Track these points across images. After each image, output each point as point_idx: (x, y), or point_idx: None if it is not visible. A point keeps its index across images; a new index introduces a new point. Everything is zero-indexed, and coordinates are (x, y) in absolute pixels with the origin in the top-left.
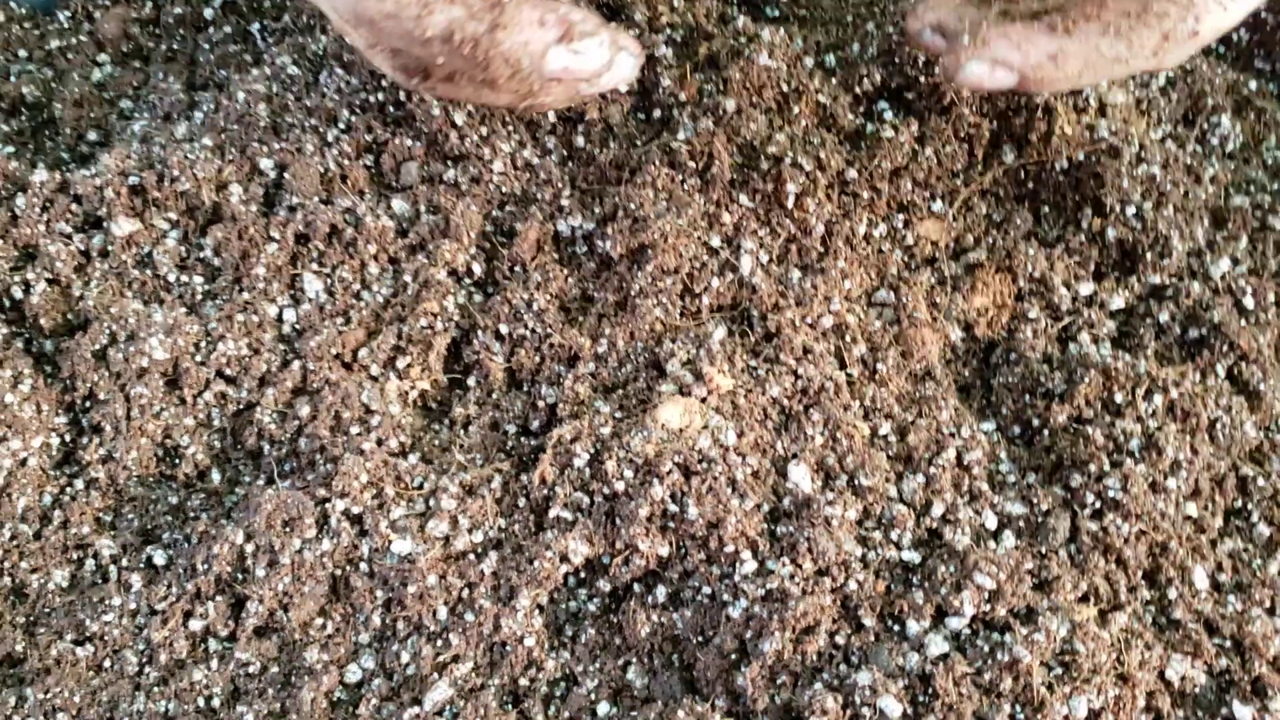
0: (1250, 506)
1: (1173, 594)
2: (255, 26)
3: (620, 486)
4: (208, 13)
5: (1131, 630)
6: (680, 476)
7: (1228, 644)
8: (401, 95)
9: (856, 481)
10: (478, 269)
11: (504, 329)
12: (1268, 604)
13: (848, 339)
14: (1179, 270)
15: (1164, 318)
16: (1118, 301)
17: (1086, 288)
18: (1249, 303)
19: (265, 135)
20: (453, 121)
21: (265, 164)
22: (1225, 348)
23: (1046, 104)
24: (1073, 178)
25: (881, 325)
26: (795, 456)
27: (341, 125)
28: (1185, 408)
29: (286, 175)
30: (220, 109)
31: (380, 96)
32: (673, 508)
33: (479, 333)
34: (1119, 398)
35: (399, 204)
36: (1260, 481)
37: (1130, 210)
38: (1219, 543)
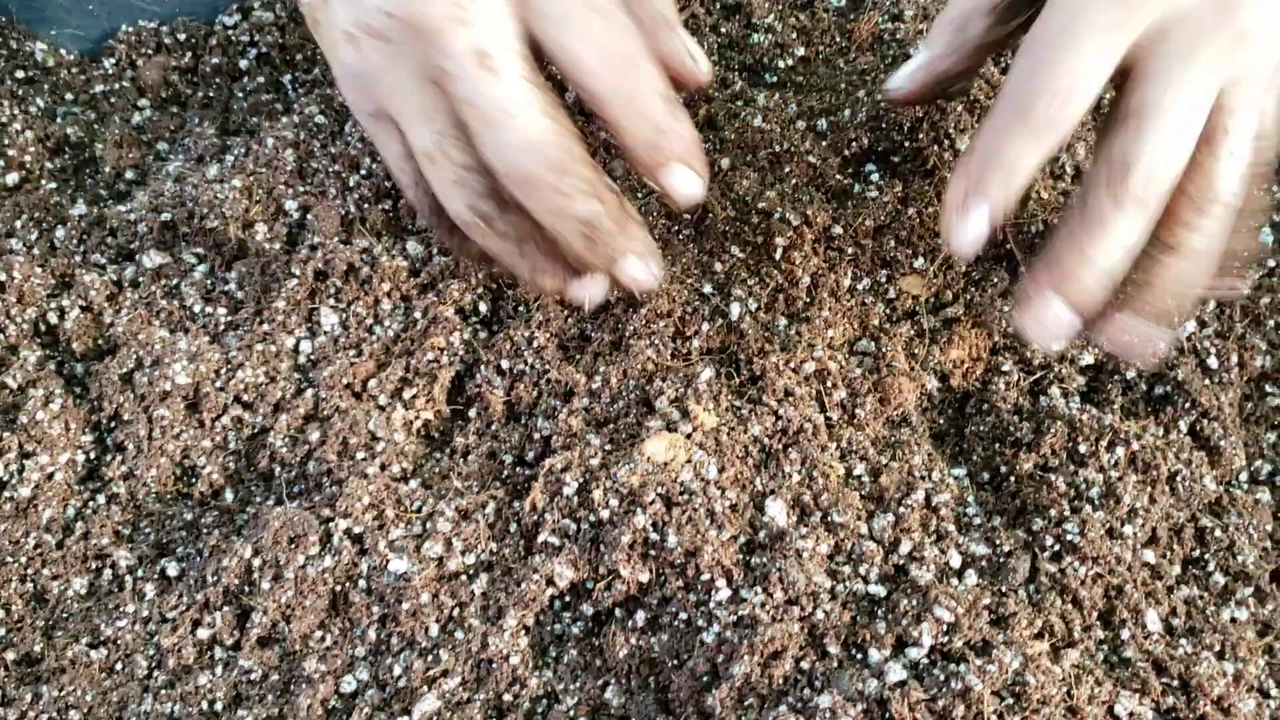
0: (1207, 556)
1: (1125, 635)
2: (287, 78)
3: (605, 515)
4: (243, 63)
5: (1083, 667)
6: (662, 507)
7: (1175, 684)
8: None
9: (829, 518)
10: (483, 307)
11: (505, 364)
12: (1217, 648)
13: (828, 384)
14: None
15: (1130, 374)
16: (1087, 358)
17: (1058, 344)
18: (1213, 363)
19: (291, 178)
20: None
21: (290, 205)
22: (1188, 405)
23: None
24: (1048, 240)
25: (861, 373)
26: (773, 492)
27: (363, 172)
28: (1146, 460)
29: (309, 216)
30: (250, 153)
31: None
32: (654, 536)
33: (482, 367)
34: (1083, 448)
35: (413, 245)
36: (1218, 533)
37: None
38: (1175, 589)
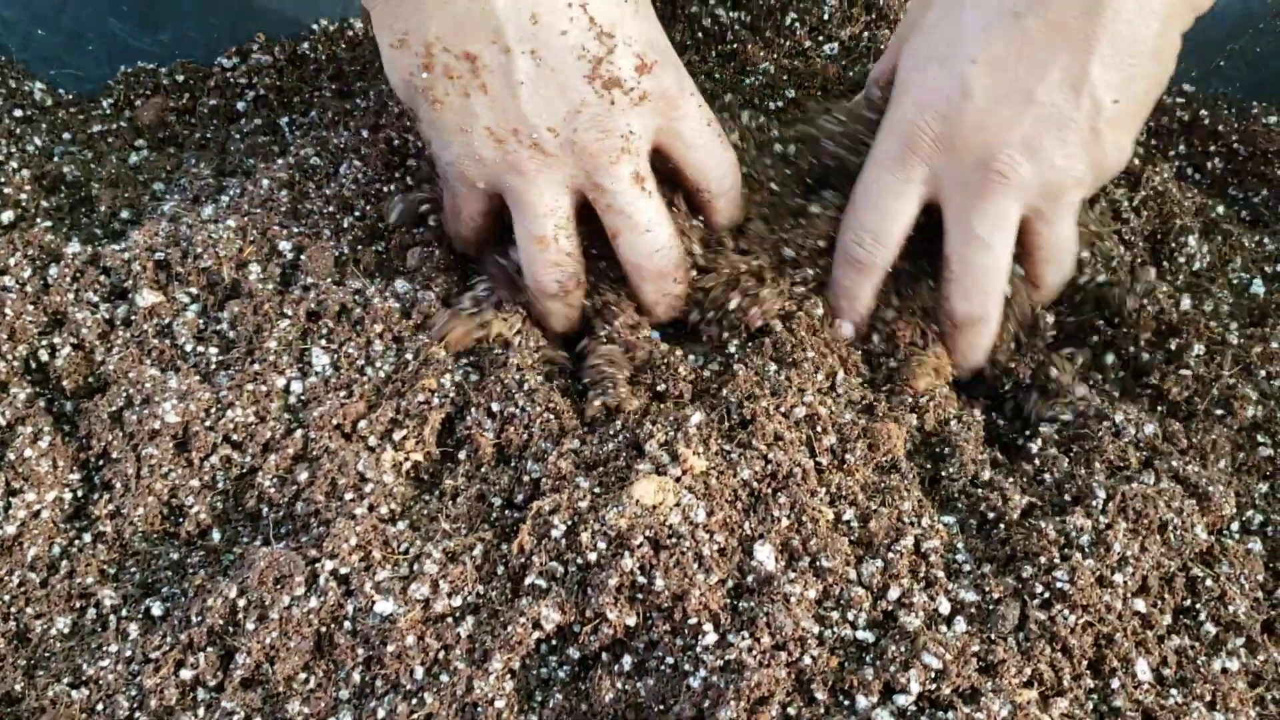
0: (1199, 606)
1: (1115, 684)
2: (284, 120)
3: (593, 557)
4: (240, 105)
5: (1072, 716)
6: (650, 550)
7: None
8: (410, 183)
9: (818, 563)
10: (475, 348)
11: (496, 406)
12: (1208, 698)
13: (818, 429)
14: None
15: (1119, 418)
16: (1068, 414)
17: None
18: (1202, 412)
19: (285, 219)
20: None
21: (284, 246)
22: (1179, 454)
23: None
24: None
25: (851, 418)
26: (761, 536)
27: (356, 213)
28: (1137, 508)
29: (303, 257)
30: (245, 194)
31: (392, 188)
32: (641, 579)
33: (472, 409)
34: (1071, 496)
35: (402, 284)
36: (1209, 583)
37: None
38: (1166, 639)
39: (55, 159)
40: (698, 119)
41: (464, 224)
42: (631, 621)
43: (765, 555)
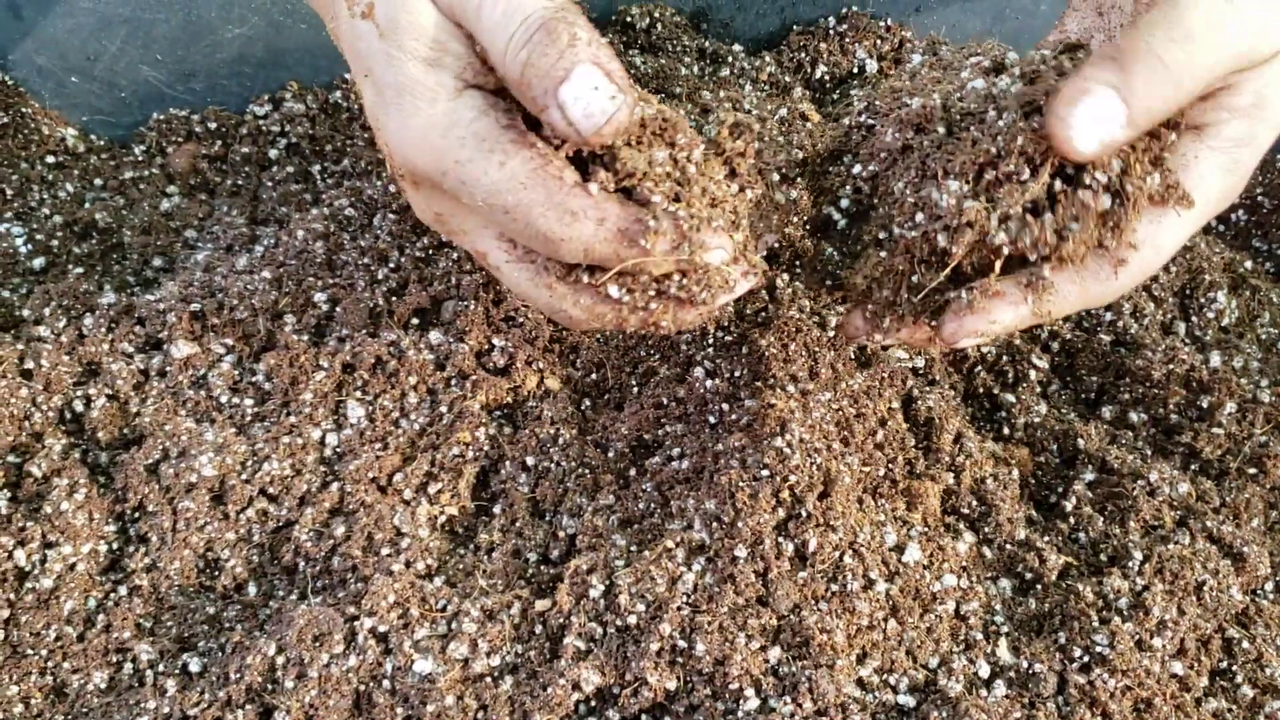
0: (1235, 668)
1: None
2: (316, 168)
3: (633, 620)
4: (273, 153)
5: None
6: (690, 613)
7: None
8: (442, 238)
9: (858, 626)
10: (509, 400)
11: (530, 460)
12: None
13: (858, 492)
14: None
15: (1154, 477)
16: (1089, 474)
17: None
18: (1235, 470)
19: (320, 271)
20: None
21: (319, 297)
22: (1212, 513)
23: None
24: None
25: (887, 475)
26: (801, 604)
27: (391, 265)
28: (1174, 570)
29: (338, 309)
30: (280, 244)
31: (426, 240)
32: (682, 643)
33: (506, 463)
34: (1107, 556)
35: (436, 336)
36: (1245, 644)
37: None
38: (1203, 701)
39: (87, 205)
40: (465, 197)
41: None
42: (672, 685)
43: (807, 620)
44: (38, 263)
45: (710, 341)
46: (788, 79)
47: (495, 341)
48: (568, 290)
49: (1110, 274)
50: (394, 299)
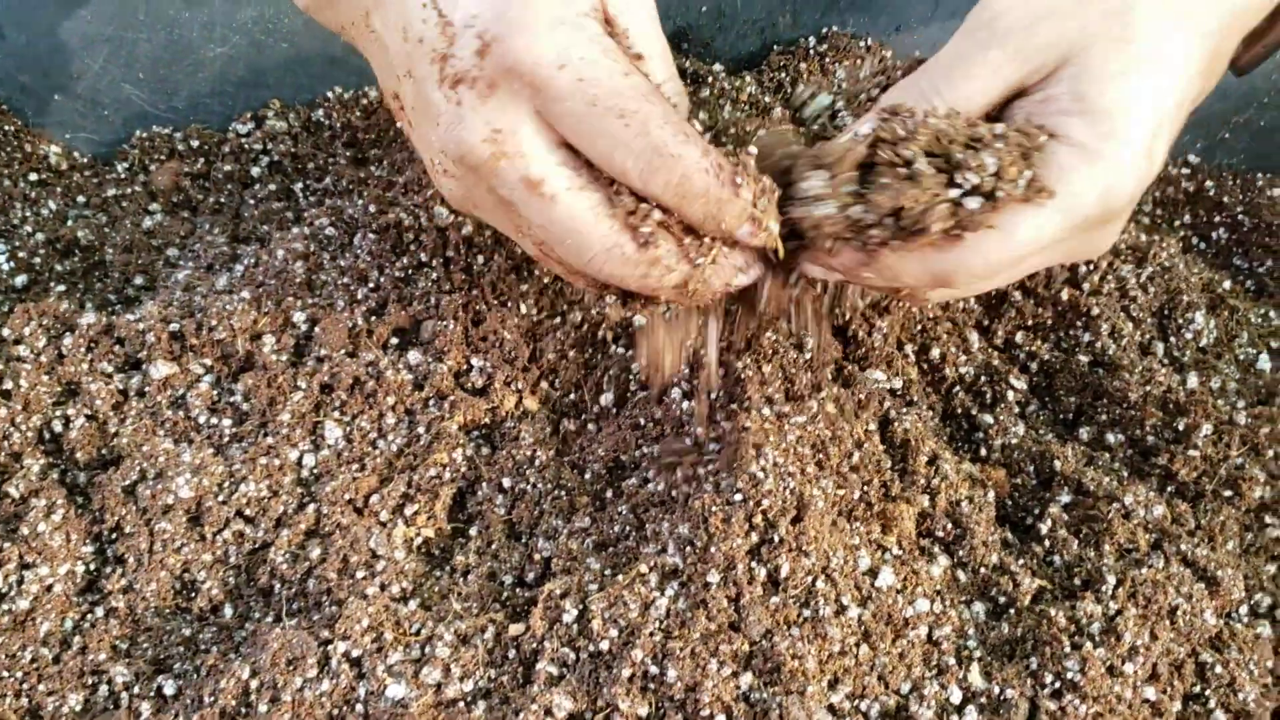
0: (1208, 693)
1: None
2: (299, 185)
3: (605, 646)
4: (255, 171)
5: None
6: (662, 639)
7: None
8: (424, 258)
9: (830, 651)
10: (487, 421)
11: (507, 482)
12: None
13: (832, 513)
14: None
15: (1129, 500)
16: (1065, 496)
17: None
18: (1210, 493)
19: (300, 291)
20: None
21: (298, 317)
22: (1187, 535)
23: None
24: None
25: (862, 498)
26: (773, 627)
27: (371, 284)
28: (1147, 594)
29: (317, 329)
30: (260, 264)
31: (406, 260)
32: (654, 669)
33: (484, 484)
34: (1081, 580)
35: (415, 356)
36: (1218, 669)
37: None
38: None
39: (70, 223)
40: (574, 97)
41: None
42: (644, 712)
43: (779, 646)
44: (20, 280)
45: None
46: (768, 99)
47: (474, 361)
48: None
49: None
50: (373, 319)
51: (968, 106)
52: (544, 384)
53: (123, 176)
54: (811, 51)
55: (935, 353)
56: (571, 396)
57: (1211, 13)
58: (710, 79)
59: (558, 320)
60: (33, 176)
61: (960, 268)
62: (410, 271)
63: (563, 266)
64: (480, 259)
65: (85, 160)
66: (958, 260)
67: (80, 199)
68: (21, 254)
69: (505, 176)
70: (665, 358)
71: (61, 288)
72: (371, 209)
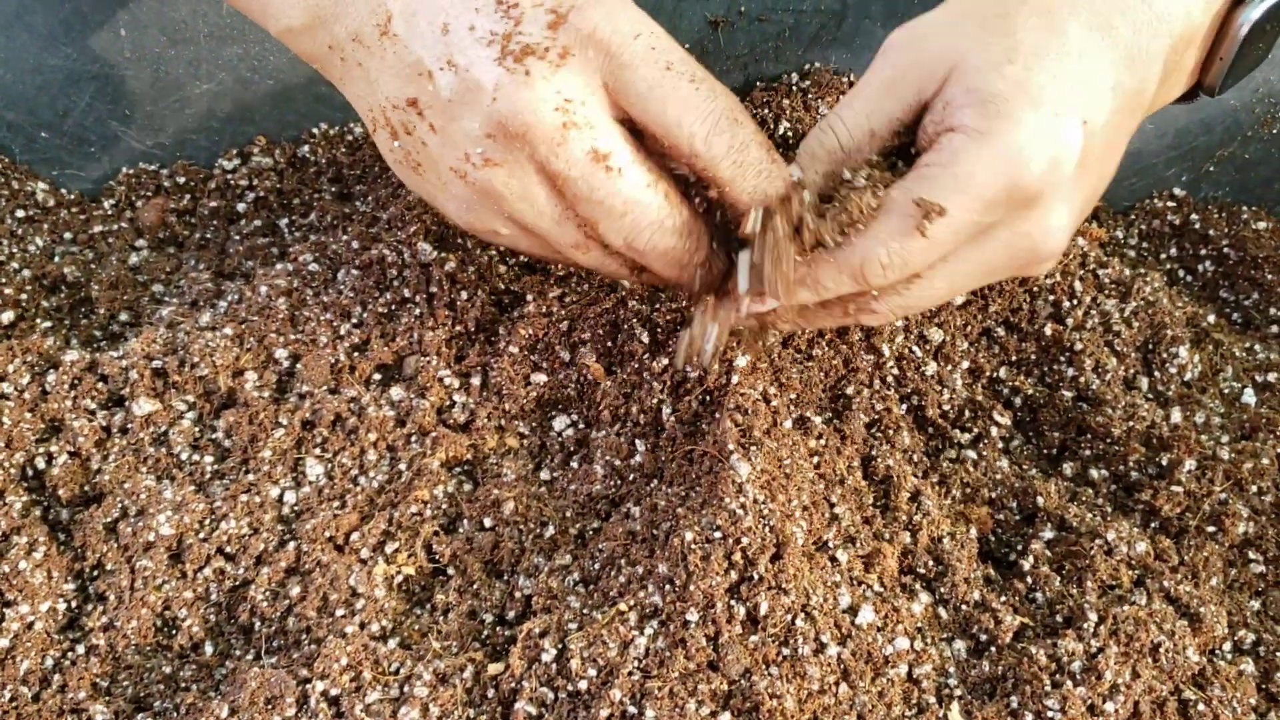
0: None
1: None
2: (284, 221)
3: (583, 685)
4: (241, 207)
5: None
6: (640, 679)
7: None
8: (407, 294)
9: (809, 690)
10: (469, 457)
11: (488, 520)
12: None
13: (812, 554)
14: None
15: (1110, 536)
16: (1048, 532)
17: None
18: (1193, 529)
19: (283, 327)
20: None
21: (280, 354)
22: (1170, 571)
23: None
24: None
25: (842, 538)
26: (752, 667)
27: (354, 320)
28: (1129, 631)
29: (299, 365)
30: (243, 300)
31: (389, 296)
32: (631, 709)
33: (465, 521)
34: (1062, 617)
35: (397, 392)
36: (1201, 706)
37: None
38: None
39: (56, 259)
40: (649, 63)
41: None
42: None
43: (758, 685)
44: (6, 316)
45: (670, 393)
46: None
47: (456, 398)
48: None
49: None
50: (356, 355)
51: (866, 125)
52: (527, 420)
53: (109, 213)
54: (795, 88)
55: (919, 388)
56: (554, 432)
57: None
58: None
59: (541, 355)
60: (20, 213)
61: (867, 258)
62: (393, 307)
63: (596, 252)
64: (464, 295)
65: (72, 197)
66: (862, 252)
67: (67, 235)
68: (8, 290)
69: (571, 147)
70: (706, 345)
71: (48, 324)
72: (355, 244)
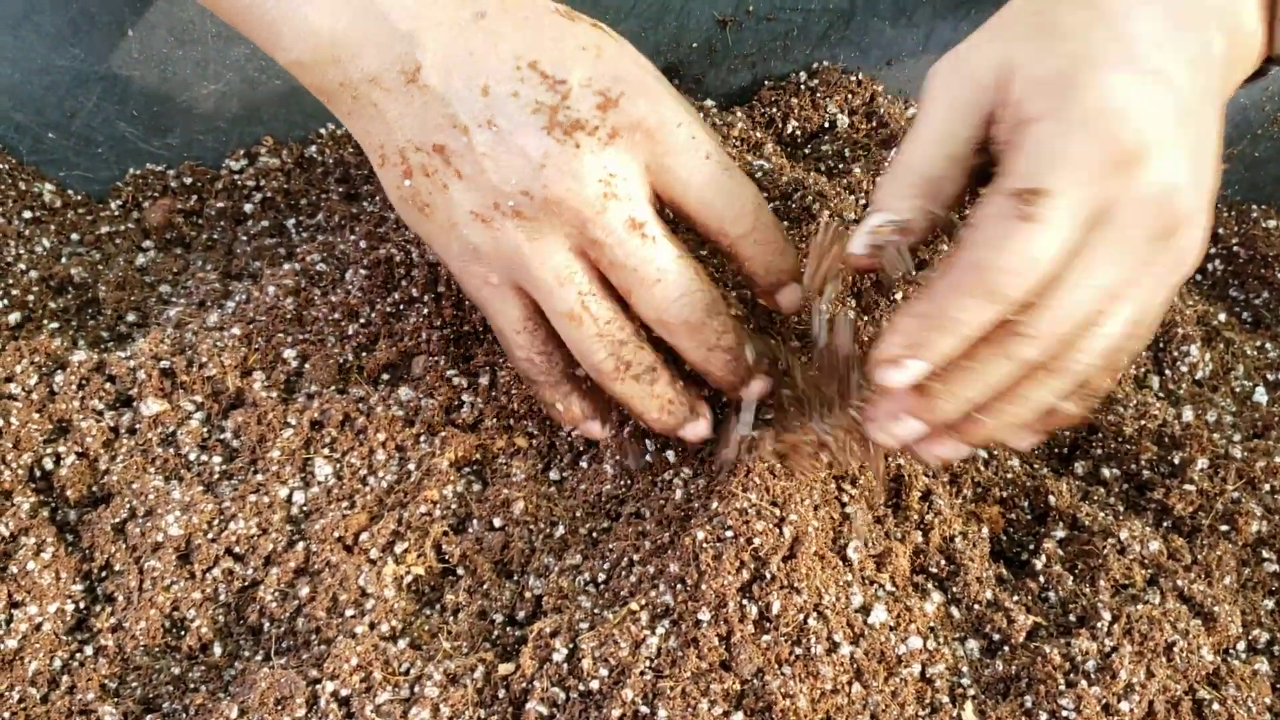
0: None
1: None
2: (291, 222)
3: (595, 685)
4: (248, 207)
5: None
6: (653, 678)
7: None
8: (415, 293)
9: (823, 689)
10: (478, 457)
11: (498, 520)
12: None
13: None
14: None
15: (1124, 535)
16: (1060, 531)
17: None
18: (1207, 527)
19: (290, 327)
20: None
21: (288, 354)
22: (1183, 570)
23: None
24: None
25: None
26: (764, 666)
27: (361, 320)
28: (1143, 630)
29: (307, 365)
30: (251, 300)
31: (397, 296)
32: (644, 709)
33: (475, 521)
34: (1076, 617)
35: (405, 392)
36: (1216, 706)
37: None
38: None
39: (63, 260)
40: (690, 152)
41: (519, 346)
42: None
43: (770, 685)
44: (13, 318)
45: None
46: (759, 134)
47: (465, 398)
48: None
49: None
50: (364, 355)
51: (941, 150)
52: (535, 420)
53: (116, 214)
54: (802, 86)
55: None
56: (563, 432)
57: None
58: (702, 115)
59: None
60: (26, 214)
61: (983, 264)
62: (401, 307)
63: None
64: None
65: (79, 198)
66: (975, 260)
67: (74, 236)
68: (15, 292)
69: (611, 216)
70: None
71: (54, 325)
72: (363, 244)
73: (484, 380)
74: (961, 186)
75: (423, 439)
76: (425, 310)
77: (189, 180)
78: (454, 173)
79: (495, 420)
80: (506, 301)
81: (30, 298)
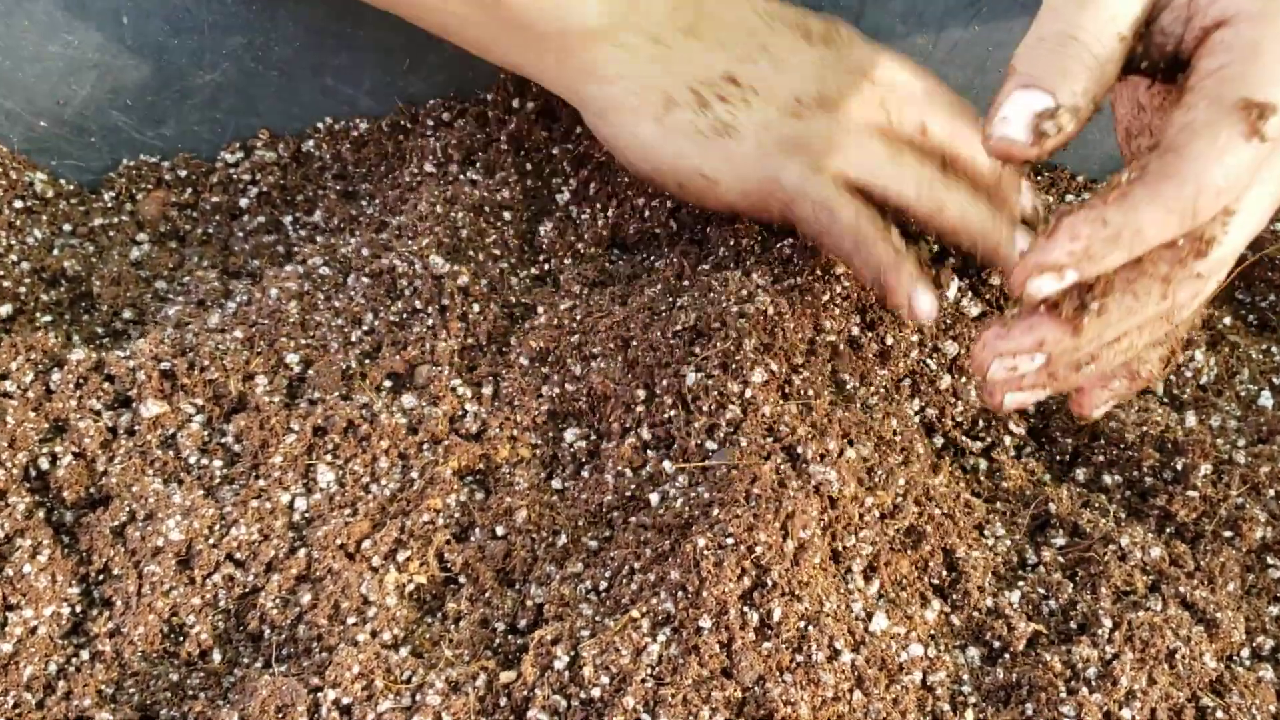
0: None
1: None
2: (288, 218)
3: (596, 693)
4: (244, 202)
5: None
6: (654, 686)
7: None
8: (418, 305)
9: (824, 697)
10: (481, 467)
11: (500, 528)
12: None
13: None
14: None
15: (1124, 541)
16: (1060, 539)
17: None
18: (1210, 534)
19: (294, 331)
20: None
21: (291, 359)
22: (1186, 577)
23: None
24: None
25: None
26: (766, 675)
27: (365, 326)
28: (1144, 637)
29: (310, 370)
30: (253, 302)
31: (401, 304)
32: (645, 717)
33: (477, 530)
34: (1077, 624)
35: (409, 400)
36: (1219, 714)
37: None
38: None
39: (55, 252)
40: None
41: (849, 216)
42: None
43: (771, 692)
44: (5, 310)
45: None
46: None
47: (469, 407)
48: None
49: None
50: (367, 362)
51: (1113, 29)
52: (539, 429)
53: (109, 205)
54: None
55: (932, 400)
56: (566, 441)
57: None
58: None
59: (553, 368)
60: (18, 204)
61: (1202, 183)
62: (405, 316)
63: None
64: (475, 307)
65: (72, 188)
66: (1195, 177)
67: (66, 227)
68: (7, 283)
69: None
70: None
71: (48, 318)
72: (365, 252)
73: (488, 390)
74: (1115, 79)
75: (426, 447)
76: (430, 321)
77: (183, 173)
78: (750, 89)
79: (499, 430)
80: (827, 186)
81: (22, 289)
